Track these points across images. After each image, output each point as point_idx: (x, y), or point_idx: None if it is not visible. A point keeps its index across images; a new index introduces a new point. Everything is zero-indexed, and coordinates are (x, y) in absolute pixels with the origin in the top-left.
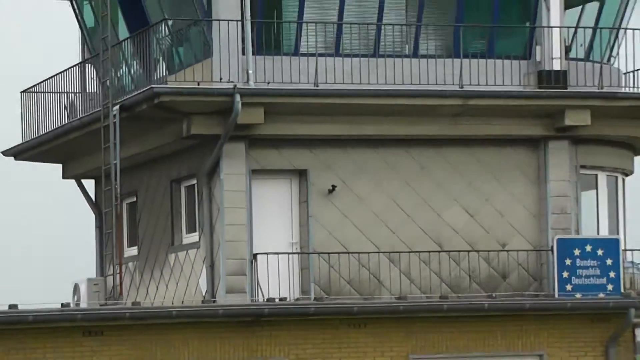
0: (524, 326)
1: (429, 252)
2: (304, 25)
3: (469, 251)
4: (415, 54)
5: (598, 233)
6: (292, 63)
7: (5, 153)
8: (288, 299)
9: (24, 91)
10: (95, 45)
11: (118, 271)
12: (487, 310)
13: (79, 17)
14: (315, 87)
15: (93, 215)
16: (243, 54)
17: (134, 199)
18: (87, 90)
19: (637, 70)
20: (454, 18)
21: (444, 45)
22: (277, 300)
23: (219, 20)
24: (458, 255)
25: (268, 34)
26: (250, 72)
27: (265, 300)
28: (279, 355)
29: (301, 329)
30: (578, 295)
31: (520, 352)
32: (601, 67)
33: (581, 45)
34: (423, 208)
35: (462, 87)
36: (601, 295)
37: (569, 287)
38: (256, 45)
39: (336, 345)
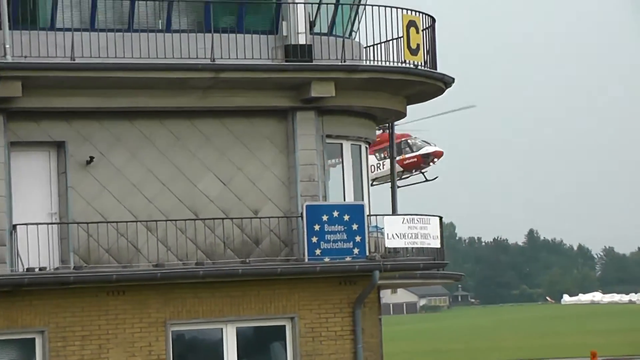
0: (276, 290)
1: (185, 220)
2: (60, 0)
3: (223, 218)
4: (168, 28)
5: (344, 199)
6: (49, 37)
7: None
8: (48, 269)
9: None
10: None
11: None
12: (241, 275)
13: None
14: (72, 61)
15: None
16: (0, 28)
17: None
18: None
19: (377, 44)
20: None
21: (196, 20)
22: (36, 270)
23: None
24: (213, 223)
25: (24, 8)
26: (7, 46)
27: (25, 270)
28: (39, 325)
29: (61, 297)
30: (326, 259)
31: (273, 315)
32: (343, 41)
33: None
34: (178, 177)
35: (213, 61)
36: (348, 258)
37: (318, 251)
38: (12, 20)
39: (95, 313)
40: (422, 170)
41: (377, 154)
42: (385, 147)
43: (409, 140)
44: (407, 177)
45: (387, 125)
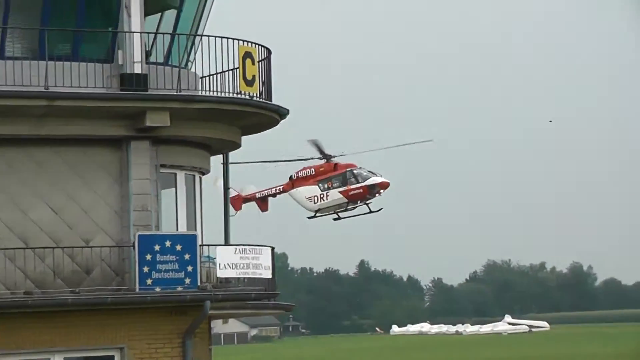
0: (106, 320)
1: (14, 249)
2: None
3: (53, 248)
4: (1, 55)
5: (177, 229)
6: None
7: None
8: None
9: None
10: None
11: None
12: (70, 305)
13: None
14: None
15: None
16: None
17: None
18: None
19: (213, 74)
20: (40, 21)
21: (30, 47)
22: None
23: None
24: (43, 252)
25: None
26: None
27: None
28: None
29: None
30: (158, 289)
31: (102, 345)
32: (179, 71)
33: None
34: (9, 206)
35: (47, 89)
36: (179, 288)
37: (149, 281)
38: None
39: None
40: (367, 202)
41: (320, 184)
42: (330, 177)
43: (354, 171)
44: (353, 209)
45: (330, 155)
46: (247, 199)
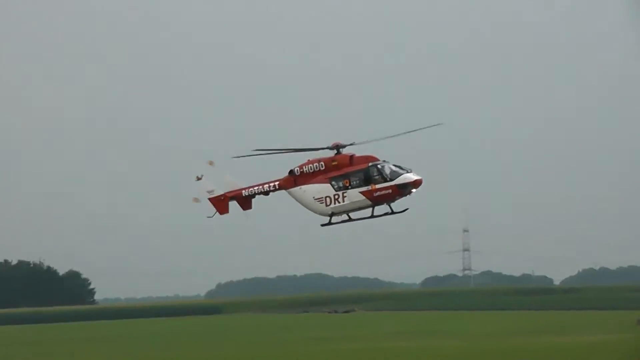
0: None
1: None
2: None
3: None
4: None
5: None
6: None
7: None
8: None
9: None
10: None
11: None
12: None
13: None
14: None
15: None
16: None
17: None
18: None
19: None
20: None
21: None
22: None
23: None
24: None
25: None
26: None
27: None
28: None
29: None
30: None
31: None
32: None
33: None
34: None
35: None
36: None
37: None
38: None
39: None
40: (390, 203)
41: (334, 182)
42: (347, 173)
43: (378, 165)
44: (381, 215)
45: (343, 145)
46: (232, 197)
